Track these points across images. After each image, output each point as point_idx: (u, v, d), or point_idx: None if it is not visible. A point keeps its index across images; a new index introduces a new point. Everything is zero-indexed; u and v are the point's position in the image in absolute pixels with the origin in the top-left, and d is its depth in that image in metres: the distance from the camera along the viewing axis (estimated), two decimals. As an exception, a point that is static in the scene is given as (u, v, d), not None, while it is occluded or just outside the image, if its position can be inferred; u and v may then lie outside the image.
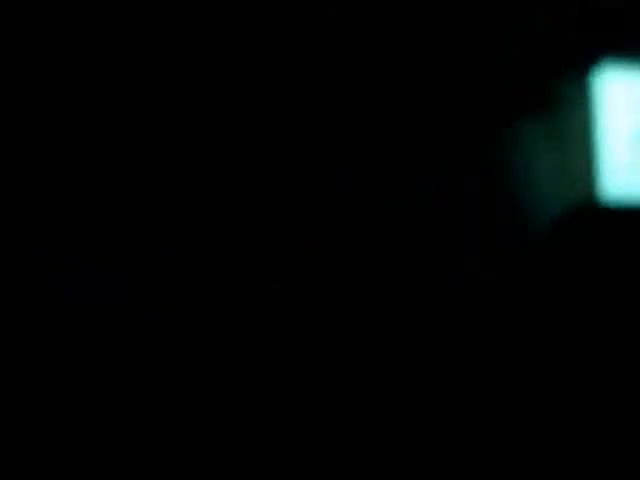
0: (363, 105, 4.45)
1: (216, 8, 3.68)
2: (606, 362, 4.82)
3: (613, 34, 7.17)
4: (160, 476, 3.62)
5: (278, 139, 3.81)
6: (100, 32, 3.35)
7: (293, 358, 3.59)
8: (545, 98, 6.73)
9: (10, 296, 3.89)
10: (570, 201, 6.46)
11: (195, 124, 3.48)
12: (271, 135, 3.77)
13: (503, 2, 6.61)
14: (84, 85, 3.30)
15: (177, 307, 3.81)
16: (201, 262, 3.67)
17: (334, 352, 3.68)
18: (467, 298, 4.72)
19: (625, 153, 7.23)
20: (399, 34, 5.08)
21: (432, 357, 4.04)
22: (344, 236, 4.06)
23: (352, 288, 4.34)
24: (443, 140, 5.87)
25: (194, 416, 3.90)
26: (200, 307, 3.57)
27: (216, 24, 3.71)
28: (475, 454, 4.27)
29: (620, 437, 5.00)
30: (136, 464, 3.39)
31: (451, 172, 6.11)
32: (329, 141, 4.02)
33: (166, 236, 3.61)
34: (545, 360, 4.83)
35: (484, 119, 6.54)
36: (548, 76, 7.02)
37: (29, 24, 3.33)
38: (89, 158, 3.30)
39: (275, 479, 3.67)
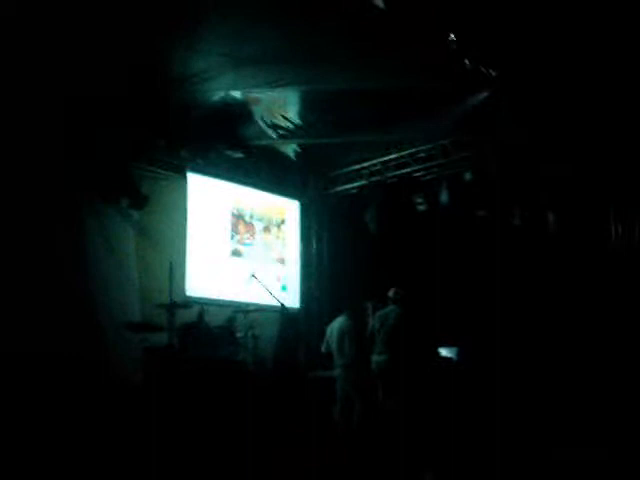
0: None
1: None
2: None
3: (201, 150, 8.94)
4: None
5: None
6: None
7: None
8: (139, 197, 7.90)
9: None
10: (154, 294, 7.61)
11: None
12: None
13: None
14: None
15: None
16: None
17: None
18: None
19: (205, 256, 9.04)
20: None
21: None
22: None
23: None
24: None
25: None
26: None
27: None
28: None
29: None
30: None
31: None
32: None
33: None
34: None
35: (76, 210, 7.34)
36: (142, 177, 8.14)
37: None
38: None
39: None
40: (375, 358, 8.22)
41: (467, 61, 6.42)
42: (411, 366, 8.06)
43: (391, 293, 8.48)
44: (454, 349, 9.04)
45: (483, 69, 6.68)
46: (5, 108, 6.70)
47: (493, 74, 6.72)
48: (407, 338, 8.20)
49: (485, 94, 7.34)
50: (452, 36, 6.00)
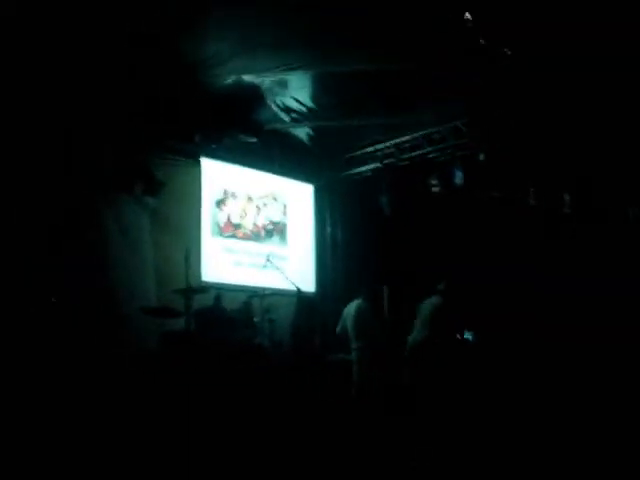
0: None
1: None
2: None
3: (214, 135, 8.97)
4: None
5: None
6: None
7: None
8: (154, 183, 8.03)
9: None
10: (171, 279, 7.60)
11: None
12: None
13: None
14: None
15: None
16: None
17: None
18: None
19: (213, 241, 9.02)
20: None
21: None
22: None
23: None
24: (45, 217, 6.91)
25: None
26: None
27: None
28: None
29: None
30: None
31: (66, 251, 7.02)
32: None
33: None
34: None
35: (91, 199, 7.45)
36: (156, 163, 8.26)
37: None
38: None
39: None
40: (412, 337, 8.20)
41: (482, 40, 6.38)
42: (446, 345, 8.03)
43: (441, 286, 8.41)
44: (469, 332, 9.04)
45: (498, 48, 6.62)
46: (19, 102, 6.73)
47: (508, 53, 6.66)
48: (447, 320, 8.20)
49: (499, 73, 7.28)
50: (467, 14, 5.95)
